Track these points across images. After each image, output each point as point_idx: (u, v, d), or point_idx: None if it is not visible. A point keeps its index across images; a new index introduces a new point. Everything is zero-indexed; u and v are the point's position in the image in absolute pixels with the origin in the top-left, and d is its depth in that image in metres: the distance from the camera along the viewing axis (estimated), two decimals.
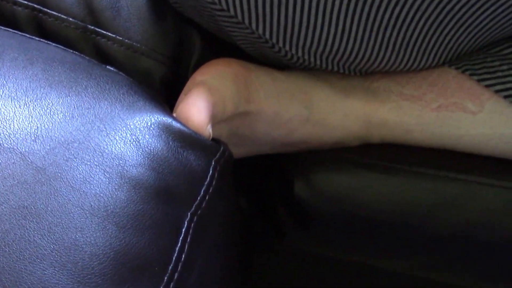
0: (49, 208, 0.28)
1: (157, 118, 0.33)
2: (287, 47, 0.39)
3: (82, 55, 0.37)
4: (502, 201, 0.39)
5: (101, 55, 0.41)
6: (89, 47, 0.41)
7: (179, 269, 0.30)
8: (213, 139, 0.35)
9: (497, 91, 0.39)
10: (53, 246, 0.27)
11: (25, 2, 0.41)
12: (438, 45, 0.38)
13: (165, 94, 0.41)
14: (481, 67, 0.40)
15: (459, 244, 0.40)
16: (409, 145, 0.42)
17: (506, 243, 0.39)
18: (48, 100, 0.32)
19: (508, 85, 0.39)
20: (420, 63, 0.40)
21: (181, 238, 0.30)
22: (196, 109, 0.34)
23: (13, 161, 0.30)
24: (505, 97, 0.39)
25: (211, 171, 0.33)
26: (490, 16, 0.36)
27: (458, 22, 0.36)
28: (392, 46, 0.38)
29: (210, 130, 0.35)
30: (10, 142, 0.30)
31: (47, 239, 0.28)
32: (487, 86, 0.39)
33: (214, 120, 0.36)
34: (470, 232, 0.40)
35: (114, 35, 0.41)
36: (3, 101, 0.32)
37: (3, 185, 0.29)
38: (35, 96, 0.32)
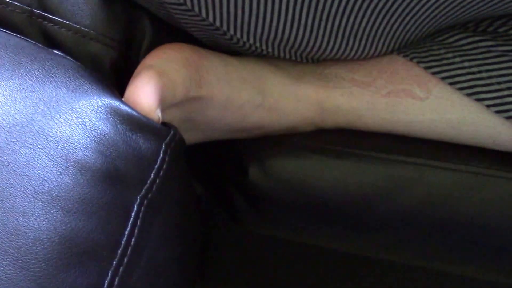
0: None
1: (105, 101, 0.32)
2: (238, 35, 0.38)
3: (27, 39, 0.36)
4: (451, 183, 0.40)
5: (48, 40, 0.40)
6: (35, 32, 0.40)
7: (128, 253, 0.29)
8: (163, 123, 0.34)
9: (443, 78, 0.40)
10: None
11: None
12: (386, 33, 0.39)
13: (115, 79, 0.40)
14: (427, 55, 0.41)
15: (411, 225, 0.41)
16: (362, 130, 0.43)
17: (456, 223, 0.40)
18: None
19: (453, 72, 0.40)
20: (370, 51, 0.40)
21: (130, 222, 0.30)
22: (144, 92, 0.34)
23: None
24: (451, 84, 0.40)
25: (161, 155, 0.33)
26: (434, 5, 0.37)
27: (404, 11, 0.37)
28: (341, 35, 0.38)
29: (159, 114, 0.34)
30: None
31: None
32: (433, 73, 0.40)
33: (164, 104, 0.35)
34: (421, 214, 0.41)
35: (61, 20, 0.40)
36: None
37: None
38: None
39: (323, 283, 0.46)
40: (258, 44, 0.39)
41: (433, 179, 0.40)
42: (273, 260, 0.46)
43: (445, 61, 0.40)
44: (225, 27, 0.38)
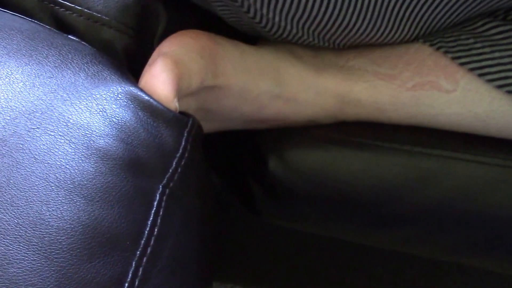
0: (11, 181, 0.26)
1: (124, 87, 0.31)
2: (264, 11, 0.37)
3: (41, 24, 0.35)
4: (477, 176, 0.39)
5: (60, 26, 0.39)
6: (47, 18, 0.39)
7: (152, 243, 0.28)
8: (181, 112, 0.34)
9: (471, 69, 0.39)
10: (17, 221, 0.26)
11: None
12: (414, 16, 0.38)
13: (129, 66, 0.40)
14: (455, 44, 0.39)
15: (435, 219, 0.40)
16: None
17: (480, 217, 0.39)
18: (7, 69, 0.30)
19: (483, 63, 0.38)
20: (396, 34, 0.39)
21: (153, 211, 0.29)
22: (161, 81, 0.33)
23: None
24: (480, 75, 0.38)
25: (183, 143, 0.32)
26: None
27: None
28: (370, 15, 0.37)
29: (177, 104, 0.33)
30: None
31: (10, 213, 0.26)
32: (461, 64, 0.39)
33: (180, 93, 0.35)
34: (446, 207, 0.39)
35: (73, 5, 0.39)
36: None
37: None
38: None
39: (338, 273, 0.46)
40: (283, 24, 0.38)
41: (460, 172, 0.39)
42: (289, 250, 0.45)
43: (474, 51, 0.39)
44: (251, 1, 0.36)
